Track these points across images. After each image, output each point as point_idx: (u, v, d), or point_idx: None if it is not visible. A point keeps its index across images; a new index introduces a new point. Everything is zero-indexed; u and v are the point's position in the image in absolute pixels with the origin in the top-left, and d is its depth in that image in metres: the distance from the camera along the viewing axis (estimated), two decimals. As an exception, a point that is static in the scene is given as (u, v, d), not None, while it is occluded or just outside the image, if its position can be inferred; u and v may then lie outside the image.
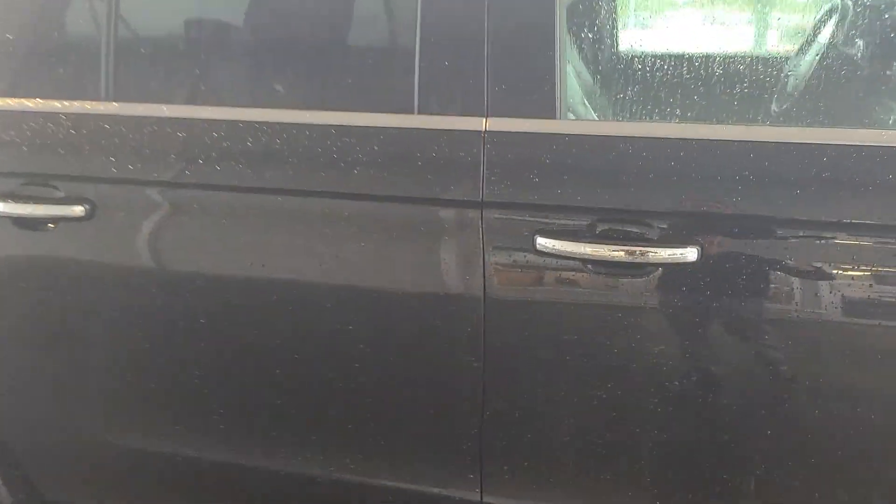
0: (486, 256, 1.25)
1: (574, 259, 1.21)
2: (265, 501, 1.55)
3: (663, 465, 1.31)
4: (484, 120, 1.24)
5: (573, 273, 1.23)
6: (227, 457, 1.51)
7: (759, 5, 1.85)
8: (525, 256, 1.24)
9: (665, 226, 1.18)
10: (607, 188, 1.21)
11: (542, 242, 1.21)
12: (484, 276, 1.26)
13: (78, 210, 1.41)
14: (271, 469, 1.48)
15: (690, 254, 1.16)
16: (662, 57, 1.44)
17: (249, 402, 1.47)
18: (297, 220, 1.34)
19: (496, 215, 1.24)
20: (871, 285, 1.14)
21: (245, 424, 1.49)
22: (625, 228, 1.20)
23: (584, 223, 1.21)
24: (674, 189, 1.17)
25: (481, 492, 1.38)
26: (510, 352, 1.29)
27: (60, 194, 1.42)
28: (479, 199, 1.24)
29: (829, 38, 1.54)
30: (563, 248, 1.20)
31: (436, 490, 1.40)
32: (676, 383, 1.23)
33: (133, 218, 1.40)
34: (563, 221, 1.22)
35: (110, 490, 1.65)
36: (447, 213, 1.27)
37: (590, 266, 1.21)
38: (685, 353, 1.24)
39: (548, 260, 1.23)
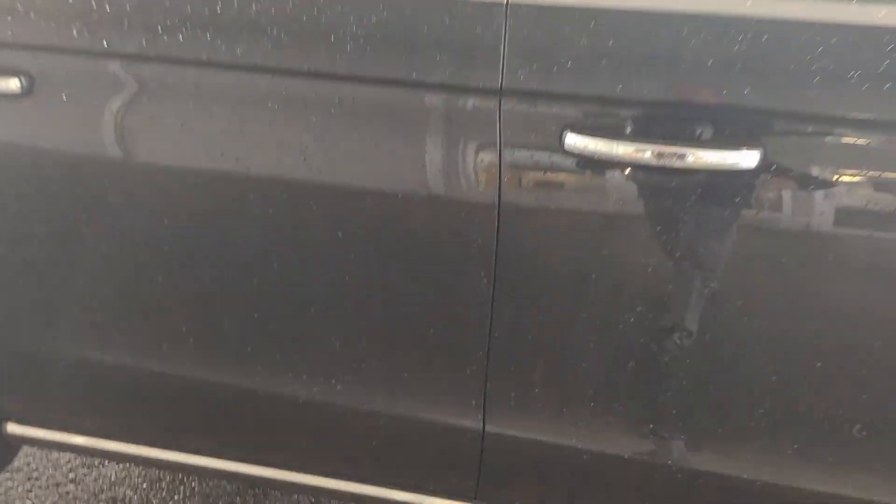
0: (503, 156, 1.06)
1: (610, 162, 1.02)
2: (237, 425, 1.40)
3: (695, 405, 1.16)
4: (507, -12, 1.01)
5: (608, 179, 1.04)
6: (195, 373, 1.34)
7: None
8: (550, 157, 1.04)
9: (724, 124, 0.99)
10: (657, 77, 1.00)
11: (573, 141, 1.01)
12: (499, 180, 1.06)
13: (13, 84, 1.18)
14: (244, 387, 1.33)
15: (750, 158, 0.97)
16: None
17: (218, 315, 1.29)
18: (278, 105, 1.12)
19: (517, 106, 1.04)
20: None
21: (212, 340, 1.31)
22: (674, 126, 1.00)
23: (625, 119, 1.01)
24: (740, 80, 0.97)
25: (483, 420, 1.23)
26: (525, 269, 1.12)
27: (-10, 65, 1.18)
28: (498, 86, 1.03)
29: None
30: (598, 149, 1.00)
31: (434, 417, 1.26)
32: (722, 311, 1.07)
33: (78, 96, 1.18)
34: (599, 116, 1.02)
35: (61, 404, 1.49)
36: (458, 102, 1.06)
37: (628, 170, 1.02)
38: (735, 279, 1.07)
39: (577, 162, 1.03)
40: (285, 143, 1.13)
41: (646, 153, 0.99)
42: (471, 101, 1.05)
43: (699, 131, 0.99)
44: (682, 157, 0.98)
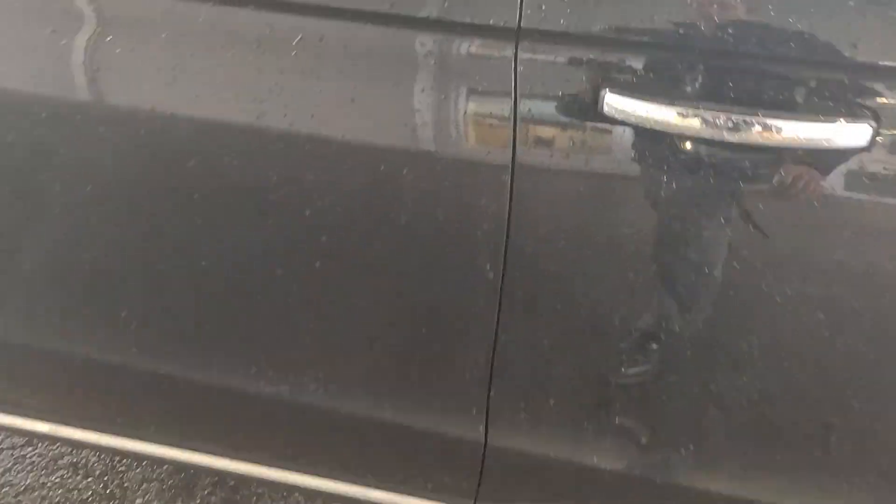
0: (519, 119, 0.80)
1: (664, 133, 0.76)
2: (207, 430, 1.20)
3: (737, 426, 0.94)
4: None
5: (659, 154, 0.78)
6: (156, 366, 1.12)
7: None
8: (582, 123, 0.79)
9: (822, 87, 0.73)
10: (729, 20, 0.73)
11: (614, 102, 0.75)
12: (513, 150, 0.81)
13: None
14: (211, 385, 1.11)
15: (858, 133, 0.72)
16: None
17: (173, 300, 1.05)
18: (250, 43, 0.86)
19: (540, 55, 0.78)
20: None
21: (170, 328, 1.08)
22: (751, 88, 0.74)
23: (687, 76, 0.75)
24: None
25: (486, 430, 1.02)
26: (542, 261, 0.88)
27: None
28: (516, 26, 0.77)
29: None
30: (648, 115, 0.75)
31: (430, 426, 1.05)
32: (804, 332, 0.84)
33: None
34: (650, 72, 0.76)
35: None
36: (464, 46, 0.80)
37: (688, 145, 0.77)
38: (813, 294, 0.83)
39: (618, 130, 0.78)
40: (259, 89, 0.87)
41: (717, 121, 0.73)
42: (479, 45, 0.79)
43: (785, 95, 0.73)
44: (770, 129, 0.72)
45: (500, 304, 0.91)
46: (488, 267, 0.88)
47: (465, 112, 0.82)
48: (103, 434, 1.27)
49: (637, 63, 0.76)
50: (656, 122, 0.74)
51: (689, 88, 0.75)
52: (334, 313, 0.99)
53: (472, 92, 0.81)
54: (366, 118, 0.86)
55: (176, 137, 0.92)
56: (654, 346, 0.89)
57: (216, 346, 1.07)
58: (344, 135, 0.86)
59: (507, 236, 0.84)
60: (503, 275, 0.88)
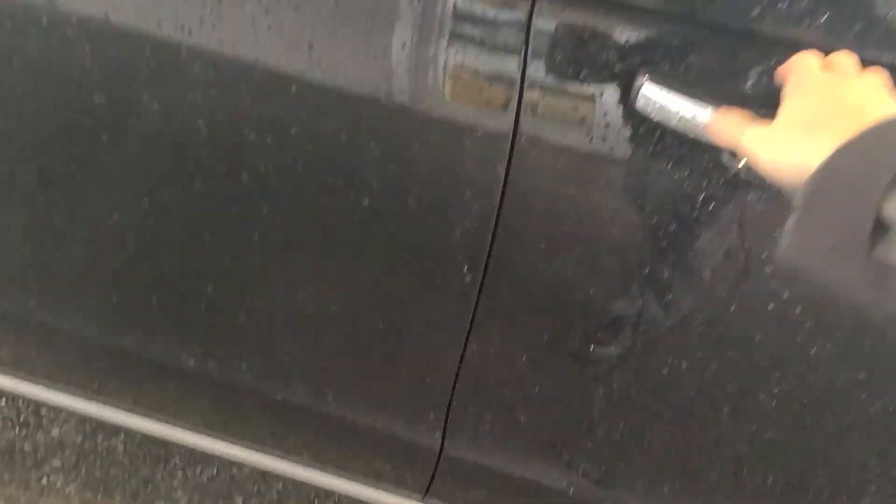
0: (524, 109, 0.62)
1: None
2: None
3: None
4: None
5: (678, 151, 0.62)
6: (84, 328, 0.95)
7: None
8: (605, 118, 0.61)
9: None
10: None
11: (652, 95, 0.57)
12: (513, 141, 0.63)
13: None
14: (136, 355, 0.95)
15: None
16: None
17: (98, 265, 0.87)
18: None
19: (559, 18, 0.59)
20: None
21: (97, 295, 0.91)
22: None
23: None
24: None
25: (443, 437, 0.89)
26: (530, 271, 0.72)
27: None
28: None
29: None
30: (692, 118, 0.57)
31: (385, 427, 0.91)
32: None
33: None
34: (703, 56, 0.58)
35: None
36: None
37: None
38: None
39: (651, 127, 0.61)
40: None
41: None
42: None
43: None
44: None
45: (475, 308, 0.76)
46: (465, 268, 0.72)
47: (461, 68, 0.63)
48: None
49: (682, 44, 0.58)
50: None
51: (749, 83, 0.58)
52: (288, 297, 0.82)
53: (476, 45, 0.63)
54: (340, 63, 0.66)
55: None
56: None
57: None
58: (314, 76, 0.67)
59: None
60: (487, 260, 0.71)
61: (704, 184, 0.62)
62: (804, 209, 0.43)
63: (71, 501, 1.40)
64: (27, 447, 1.48)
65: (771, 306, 0.67)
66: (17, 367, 1.10)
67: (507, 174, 0.65)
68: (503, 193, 0.66)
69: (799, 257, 0.44)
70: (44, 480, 1.43)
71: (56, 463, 1.46)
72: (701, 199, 0.63)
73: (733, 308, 0.69)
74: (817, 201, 0.42)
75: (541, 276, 0.71)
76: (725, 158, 0.60)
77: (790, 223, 0.43)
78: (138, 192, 0.79)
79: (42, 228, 0.86)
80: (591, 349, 0.77)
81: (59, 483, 1.43)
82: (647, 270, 0.69)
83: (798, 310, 0.67)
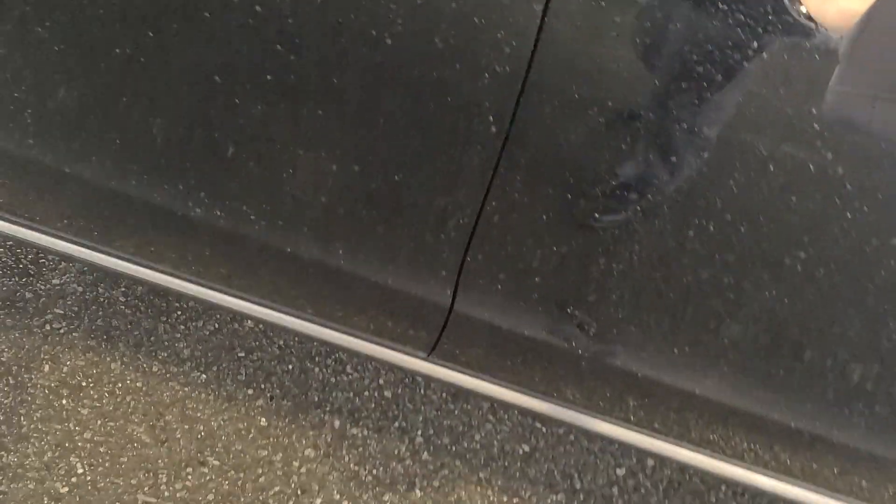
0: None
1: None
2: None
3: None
4: None
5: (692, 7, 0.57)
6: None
7: None
8: None
9: None
10: None
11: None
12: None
13: None
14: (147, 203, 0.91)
15: None
16: None
17: (100, 102, 0.82)
18: None
19: None
20: None
21: (98, 135, 0.86)
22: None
23: None
24: None
25: (454, 294, 0.88)
26: (560, 122, 0.68)
27: None
28: None
29: None
30: None
31: (395, 284, 0.89)
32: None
33: None
34: None
35: None
36: None
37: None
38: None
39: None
40: None
41: None
42: None
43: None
44: None
45: (497, 162, 0.72)
46: (491, 122, 0.68)
47: None
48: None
49: None
50: None
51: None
52: (300, 144, 0.78)
53: None
54: None
55: None
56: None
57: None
58: None
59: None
60: (515, 109, 0.68)
61: (719, 41, 0.58)
62: (849, 59, 0.41)
63: (75, 348, 1.41)
64: (28, 294, 1.48)
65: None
66: (14, 212, 1.07)
67: (545, 10, 0.59)
68: (538, 34, 0.61)
69: (845, 108, 0.43)
70: (47, 327, 1.43)
71: (58, 311, 1.46)
72: (716, 57, 0.59)
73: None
74: (862, 49, 0.41)
75: (568, 129, 0.67)
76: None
77: (835, 76, 0.42)
78: (142, 26, 0.74)
79: (39, 61, 0.80)
80: (602, 213, 0.74)
81: (62, 329, 1.44)
82: (656, 131, 0.66)
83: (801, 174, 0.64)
